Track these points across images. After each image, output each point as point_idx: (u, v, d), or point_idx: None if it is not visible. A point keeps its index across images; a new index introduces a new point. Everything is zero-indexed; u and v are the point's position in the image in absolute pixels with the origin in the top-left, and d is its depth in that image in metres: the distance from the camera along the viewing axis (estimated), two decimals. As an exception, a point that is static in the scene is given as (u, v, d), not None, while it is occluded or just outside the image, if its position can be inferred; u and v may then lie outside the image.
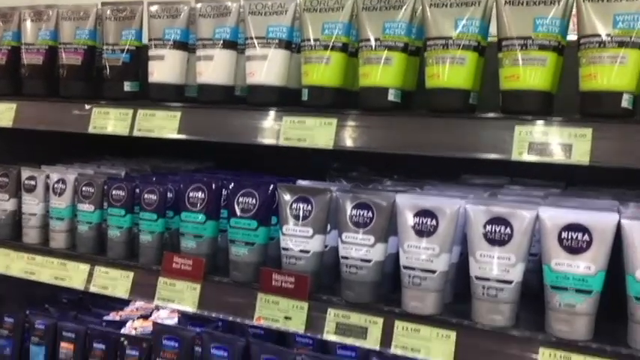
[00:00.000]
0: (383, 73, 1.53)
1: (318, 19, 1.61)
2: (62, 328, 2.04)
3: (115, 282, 1.86)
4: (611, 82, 1.31)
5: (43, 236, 2.05)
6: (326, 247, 1.69)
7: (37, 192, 2.03)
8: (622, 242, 1.31)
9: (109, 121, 1.82)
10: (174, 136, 1.73)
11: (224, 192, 1.79)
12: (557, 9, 1.38)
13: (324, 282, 1.71)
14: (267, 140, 1.63)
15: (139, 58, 1.91)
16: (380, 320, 1.53)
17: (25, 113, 1.97)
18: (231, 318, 1.72)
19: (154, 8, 1.85)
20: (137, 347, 1.92)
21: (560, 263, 1.35)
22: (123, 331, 2.02)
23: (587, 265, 1.32)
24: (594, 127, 1.28)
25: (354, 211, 1.57)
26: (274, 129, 1.62)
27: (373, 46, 1.54)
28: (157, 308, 2.22)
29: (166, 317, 2.14)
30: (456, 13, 1.47)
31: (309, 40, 1.61)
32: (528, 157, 1.33)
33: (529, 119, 1.35)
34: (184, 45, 1.84)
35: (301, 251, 1.62)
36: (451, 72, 1.46)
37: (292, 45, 1.70)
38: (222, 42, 1.74)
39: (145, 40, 1.91)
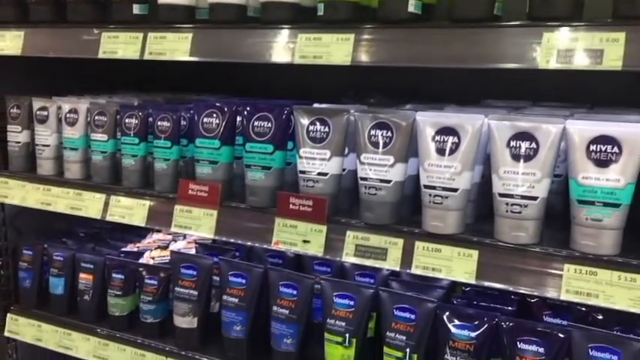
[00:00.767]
0: (402, -17, 1.46)
1: None
2: (80, 259, 2.04)
3: (131, 210, 1.84)
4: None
5: (57, 168, 2.03)
6: (344, 170, 1.66)
7: (49, 123, 2.00)
8: (653, 154, 1.27)
9: (118, 45, 1.77)
10: (186, 58, 1.68)
11: (239, 118, 1.75)
12: None
13: (343, 206, 1.69)
14: (282, 59, 1.57)
15: (148, -21, 1.85)
16: (400, 241, 1.50)
17: (33, 41, 1.92)
18: (249, 243, 1.71)
19: None
20: (155, 276, 1.92)
21: (588, 177, 1.30)
22: (141, 261, 2.02)
23: (616, 178, 1.28)
24: (628, 30, 1.21)
25: (372, 132, 1.52)
26: (289, 47, 1.57)
27: (392, -44, 1.46)
28: (175, 240, 2.22)
29: (184, 248, 2.14)
30: None
31: (324, -48, 1.54)
32: (556, 65, 1.27)
33: (557, 25, 1.28)
34: (194, -36, 1.77)
35: (319, 174, 1.59)
36: (474, -20, 1.39)
37: (306, -40, 1.62)
38: (233, -41, 1.67)
39: (152, -39, 1.85)
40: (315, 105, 1.69)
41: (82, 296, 2.04)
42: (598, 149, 1.29)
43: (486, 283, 1.41)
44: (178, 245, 2.15)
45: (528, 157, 1.36)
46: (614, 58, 1.21)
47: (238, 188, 1.79)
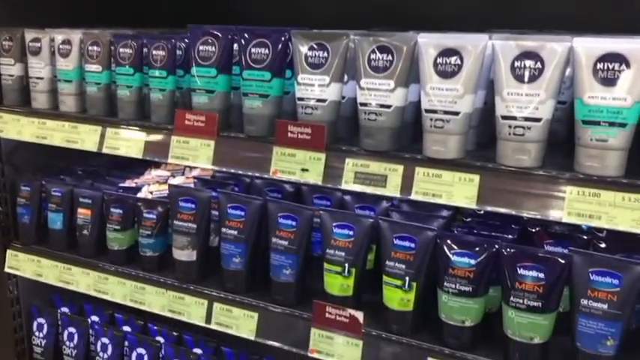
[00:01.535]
0: None
1: None
2: (79, 194, 2.03)
3: (127, 142, 1.82)
4: None
5: (52, 101, 1.99)
6: (343, 98, 1.62)
7: (42, 55, 1.95)
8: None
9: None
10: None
11: (235, 46, 1.70)
12: None
13: (342, 135, 1.66)
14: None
15: None
16: (400, 167, 1.48)
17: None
18: (248, 173, 1.68)
19: None
20: (154, 210, 1.91)
21: (594, 96, 1.26)
22: (139, 195, 2.00)
23: (623, 97, 1.24)
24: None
25: (372, 55, 1.48)
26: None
27: None
28: (173, 176, 2.20)
29: (182, 184, 2.11)
30: None
31: None
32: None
33: None
34: None
35: (317, 100, 1.55)
36: None
37: None
38: None
39: None
40: (314, 30, 1.64)
41: (80, 231, 2.03)
42: (605, 67, 1.25)
43: (488, 208, 1.39)
44: (177, 181, 2.13)
45: (533, 78, 1.32)
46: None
47: (236, 119, 1.76)
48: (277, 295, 1.74)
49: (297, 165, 1.59)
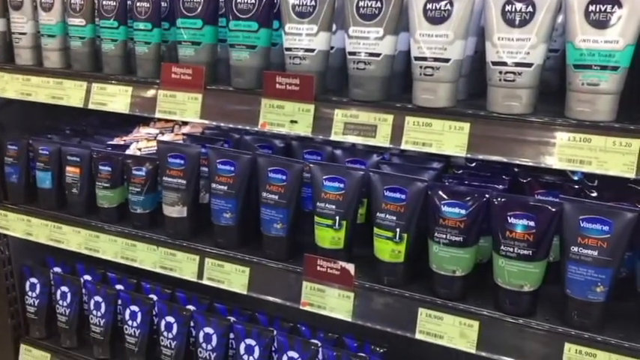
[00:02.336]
0: None
1: None
2: (66, 152, 2.00)
3: (113, 98, 1.79)
4: None
5: (36, 57, 1.96)
6: (332, 49, 1.59)
7: (24, 9, 1.91)
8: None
9: None
10: None
11: (221, -5, 1.66)
12: None
13: (331, 87, 1.63)
14: None
15: None
16: (390, 117, 1.46)
17: None
18: (239, 127, 1.67)
19: None
20: (143, 167, 1.89)
21: (586, 39, 1.24)
22: (127, 152, 1.98)
23: (615, 39, 1.22)
24: None
25: (361, 3, 1.45)
26: None
27: None
28: (162, 133, 2.17)
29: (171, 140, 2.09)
30: None
31: None
32: None
33: None
34: None
35: (306, 50, 1.53)
36: None
37: None
38: None
39: None
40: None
41: (70, 190, 2.01)
42: (597, 9, 1.22)
43: (478, 156, 1.37)
44: (166, 138, 2.11)
45: (524, 22, 1.29)
46: None
47: (223, 73, 1.73)
48: (268, 250, 1.74)
49: (285, 117, 1.56)
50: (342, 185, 1.62)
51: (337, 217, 1.62)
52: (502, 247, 1.43)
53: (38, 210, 2.07)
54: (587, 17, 1.23)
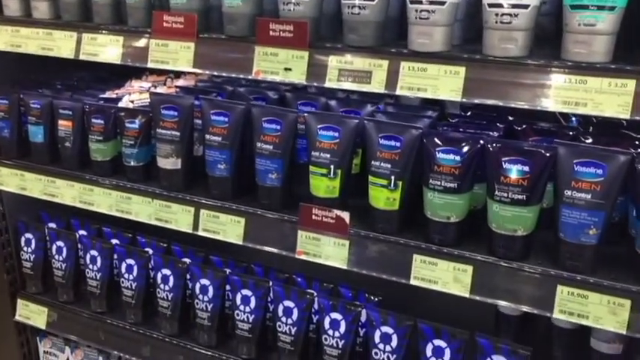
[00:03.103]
0: None
1: None
2: (58, 106, 1.98)
3: (104, 48, 1.77)
4: None
5: (25, 8, 1.92)
6: (326, -7, 1.57)
7: (11, -42, 1.87)
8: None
9: None
10: None
11: (213, -58, 1.63)
12: None
13: (325, 34, 1.62)
14: None
15: None
16: (385, 62, 1.45)
17: None
18: (232, 75, 1.65)
19: None
20: (136, 119, 1.88)
21: (583, -21, 1.23)
22: (120, 105, 1.96)
23: (613, -22, 1.20)
24: None
25: (355, -55, 1.42)
26: None
27: None
28: (154, 86, 2.15)
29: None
30: None
31: None
32: None
33: None
34: None
35: (299, -5, 1.50)
36: None
37: None
38: None
39: None
40: None
41: (63, 143, 2.00)
42: (595, -52, 1.21)
43: (474, 100, 1.37)
44: (158, 91, 2.09)
45: (521, -38, 1.27)
46: None
47: (216, 21, 1.70)
48: (264, 200, 1.74)
49: (279, 64, 1.55)
50: (336, 134, 1.61)
51: (332, 166, 1.62)
52: (496, 193, 1.43)
53: (31, 164, 2.06)
54: (584, -44, 1.22)
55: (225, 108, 1.74)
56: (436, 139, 1.50)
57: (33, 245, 2.21)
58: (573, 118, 1.77)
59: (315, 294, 1.83)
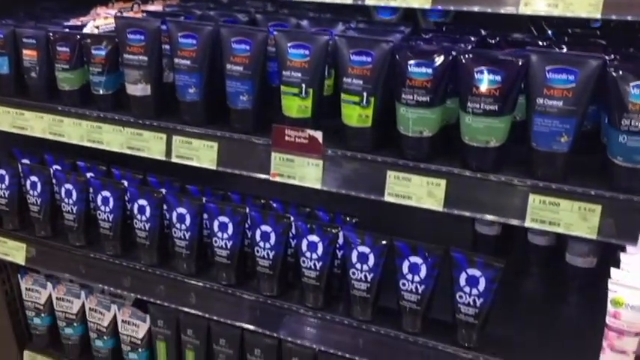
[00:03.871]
0: None
1: None
2: (22, 35, 1.92)
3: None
4: None
5: None
6: None
7: None
8: None
9: None
10: None
11: None
12: None
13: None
14: None
15: None
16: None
17: None
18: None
19: None
20: (102, 46, 1.82)
21: None
22: (85, 31, 1.90)
23: None
24: None
25: None
26: None
27: None
28: (121, 12, 2.08)
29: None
30: None
31: None
32: None
33: None
34: None
35: None
36: None
37: None
38: None
39: None
40: None
41: (29, 74, 1.94)
42: None
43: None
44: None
45: None
46: None
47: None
48: (236, 123, 1.72)
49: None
50: (307, 52, 1.58)
51: (303, 85, 1.59)
52: (469, 104, 1.42)
53: (-2, 97, 2.02)
54: None
55: (193, 30, 1.69)
56: (408, 53, 1.47)
57: (6, 182, 2.18)
58: (549, 32, 1.74)
59: (292, 218, 1.83)
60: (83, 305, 2.28)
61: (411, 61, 1.46)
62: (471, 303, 1.58)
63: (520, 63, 1.36)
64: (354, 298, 1.72)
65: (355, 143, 1.58)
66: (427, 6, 1.33)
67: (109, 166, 2.16)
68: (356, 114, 1.54)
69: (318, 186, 1.62)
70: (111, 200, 2.02)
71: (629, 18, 1.22)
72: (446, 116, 1.54)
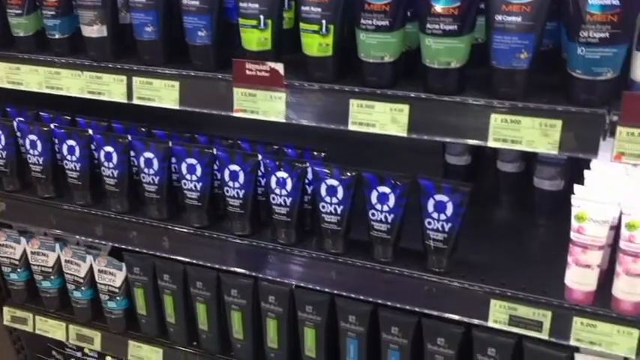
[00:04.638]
0: None
1: None
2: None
3: None
4: None
5: None
6: None
7: None
8: None
9: None
10: None
11: None
12: None
13: None
14: None
15: None
16: None
17: None
18: None
19: None
20: (54, -12, 1.77)
21: None
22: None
23: None
24: None
25: None
26: None
27: None
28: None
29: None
30: None
31: None
32: None
33: None
34: None
35: None
36: None
37: None
38: None
39: None
40: None
41: (-20, 22, 1.89)
42: None
43: None
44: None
45: None
46: None
47: None
48: (196, 61, 1.69)
49: None
50: (263, -17, 1.54)
51: (261, 17, 1.56)
52: (428, 26, 1.40)
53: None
54: None
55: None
56: (366, -26, 1.44)
57: (-32, 136, 2.14)
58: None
59: (260, 156, 1.82)
60: (59, 258, 2.27)
61: (369, -15, 1.43)
62: (440, 228, 1.60)
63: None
64: (325, 231, 1.73)
65: (317, 73, 1.56)
66: None
67: (73, 116, 2.13)
68: (316, 43, 1.52)
69: (282, 119, 1.60)
70: (77, 149, 1.99)
71: None
72: (407, 41, 1.52)
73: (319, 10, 1.49)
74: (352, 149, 1.86)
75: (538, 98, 1.38)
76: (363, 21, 1.45)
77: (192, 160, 1.85)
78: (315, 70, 1.55)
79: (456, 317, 1.64)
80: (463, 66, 1.42)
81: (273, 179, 1.76)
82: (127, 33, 1.78)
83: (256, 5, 1.54)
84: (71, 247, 2.25)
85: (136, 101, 1.75)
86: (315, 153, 1.83)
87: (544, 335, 1.54)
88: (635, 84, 1.33)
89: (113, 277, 2.18)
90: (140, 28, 1.68)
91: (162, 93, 1.71)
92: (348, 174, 1.67)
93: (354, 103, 1.52)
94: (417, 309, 1.68)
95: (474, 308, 1.60)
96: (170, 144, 1.90)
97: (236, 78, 1.61)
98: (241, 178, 1.79)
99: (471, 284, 1.59)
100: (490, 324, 1.59)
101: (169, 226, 1.93)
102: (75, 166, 2.01)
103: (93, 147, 2.00)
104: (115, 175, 1.96)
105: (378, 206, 1.65)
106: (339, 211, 1.69)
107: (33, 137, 2.04)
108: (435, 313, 1.67)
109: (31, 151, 2.06)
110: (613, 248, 1.48)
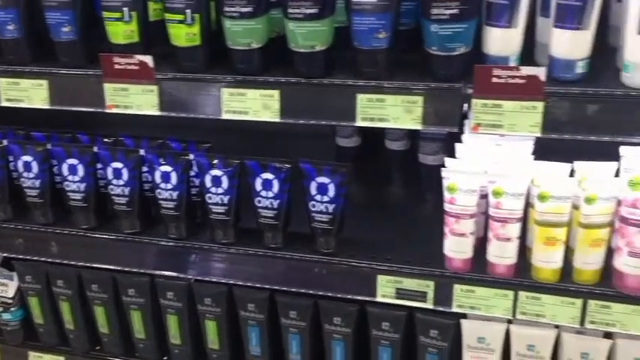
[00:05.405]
0: None
1: None
2: None
3: None
4: None
5: None
6: None
7: None
8: None
9: None
10: None
11: None
12: None
13: None
14: None
15: None
16: None
17: None
18: None
19: None
20: None
21: None
22: None
23: None
24: None
25: None
26: None
27: None
28: None
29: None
30: None
31: None
32: None
33: None
34: None
35: None
36: None
37: None
38: None
39: None
40: None
41: None
42: None
43: None
44: None
45: None
46: None
47: None
48: (63, 57, 1.63)
49: None
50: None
51: (125, 9, 1.52)
52: (289, 10, 1.41)
53: None
54: None
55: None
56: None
57: None
58: None
59: (143, 152, 1.78)
60: (-58, 272, 2.16)
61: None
62: (324, 210, 1.62)
63: None
64: (214, 222, 1.72)
65: (187, 64, 1.54)
66: None
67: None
68: (183, 33, 1.50)
69: (157, 112, 1.58)
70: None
71: None
72: (275, 27, 1.53)
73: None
74: (245, 139, 1.86)
75: (402, 77, 1.41)
76: (226, 9, 1.45)
77: (73, 161, 1.79)
78: (185, 60, 1.53)
79: (348, 296, 1.67)
80: (328, 49, 1.44)
81: (158, 174, 1.73)
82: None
83: (182, -2, 1.50)
84: (-45, 260, 2.14)
85: (4, 103, 1.68)
86: (201, 144, 1.81)
87: (429, 305, 1.59)
88: (488, 57, 1.38)
89: (5, 287, 2.10)
90: (1, 26, 1.61)
91: (30, 93, 1.65)
92: (232, 163, 1.67)
93: (225, 92, 1.51)
94: (311, 291, 1.70)
95: (363, 285, 1.63)
96: (49, 146, 1.83)
97: (106, 73, 1.57)
98: (125, 175, 1.76)
99: (358, 262, 1.63)
100: (379, 299, 1.63)
101: (57, 230, 1.87)
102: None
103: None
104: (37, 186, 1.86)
105: (263, 193, 1.65)
106: (225, 201, 1.68)
107: None
108: (329, 294, 1.69)
109: None
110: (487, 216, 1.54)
